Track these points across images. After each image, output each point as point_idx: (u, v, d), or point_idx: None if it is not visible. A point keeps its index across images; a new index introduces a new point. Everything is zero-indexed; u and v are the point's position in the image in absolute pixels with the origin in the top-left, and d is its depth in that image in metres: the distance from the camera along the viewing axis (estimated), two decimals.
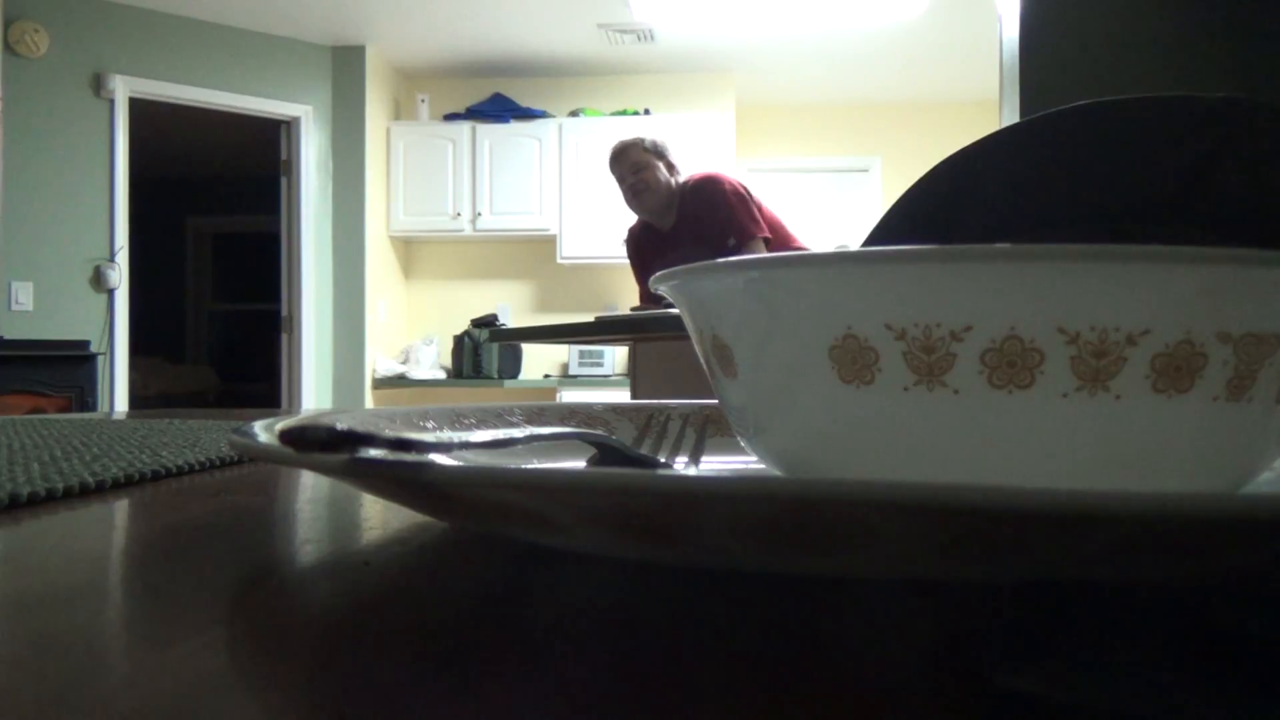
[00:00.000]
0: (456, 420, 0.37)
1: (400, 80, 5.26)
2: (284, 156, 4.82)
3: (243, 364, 7.52)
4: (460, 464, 0.20)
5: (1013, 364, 0.20)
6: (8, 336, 3.80)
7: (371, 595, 0.19)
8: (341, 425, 0.18)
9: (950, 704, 0.13)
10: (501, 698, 0.13)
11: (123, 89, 4.24)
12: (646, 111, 5.03)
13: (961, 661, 0.15)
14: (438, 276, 5.39)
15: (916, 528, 0.15)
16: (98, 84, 4.19)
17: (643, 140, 2.66)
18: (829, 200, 5.58)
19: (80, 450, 0.45)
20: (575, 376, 4.95)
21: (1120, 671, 0.13)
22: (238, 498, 0.32)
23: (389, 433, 0.18)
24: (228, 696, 0.13)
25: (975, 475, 0.21)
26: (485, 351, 4.92)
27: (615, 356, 4.96)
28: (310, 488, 0.35)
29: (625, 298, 4.43)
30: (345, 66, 4.84)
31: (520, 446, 0.34)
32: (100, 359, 3.99)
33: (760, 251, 2.49)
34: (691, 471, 0.28)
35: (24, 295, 4.01)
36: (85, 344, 3.93)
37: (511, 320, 5.25)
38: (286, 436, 0.18)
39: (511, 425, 0.38)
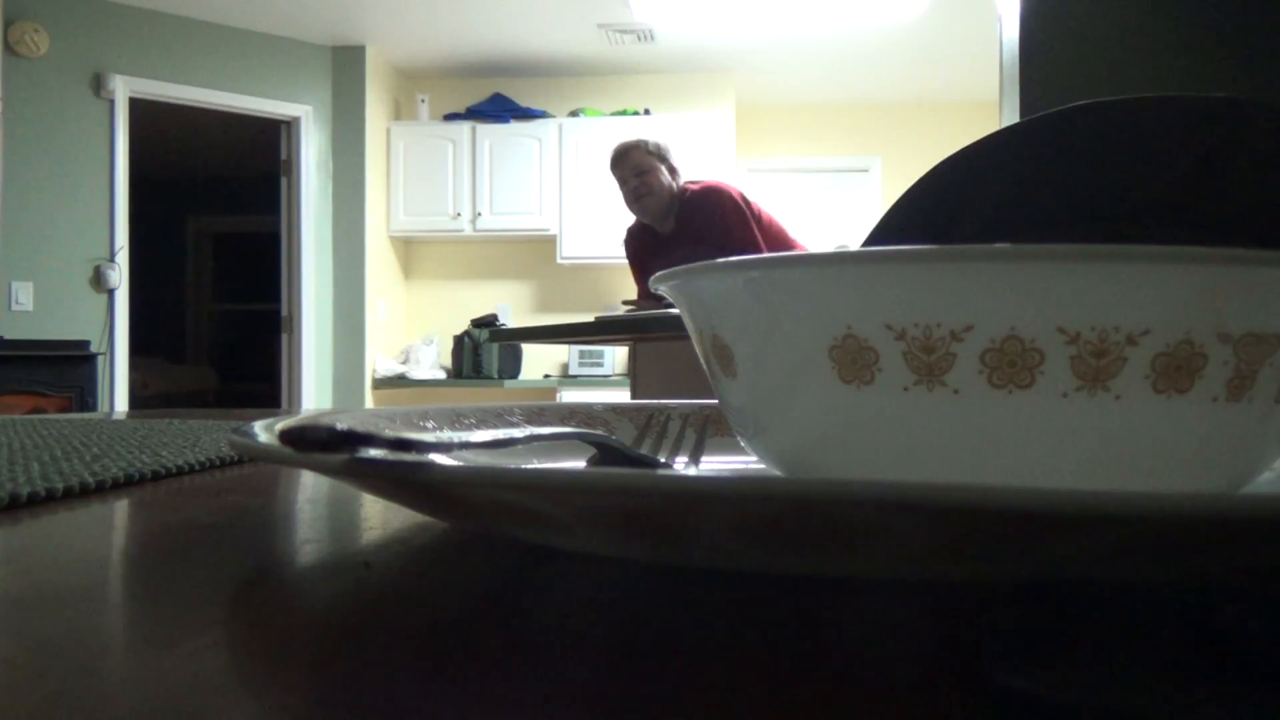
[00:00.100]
0: (456, 420, 0.37)
1: (400, 80, 5.26)
2: (284, 156, 4.82)
3: (243, 364, 7.52)
4: (460, 464, 0.20)
5: (1013, 364, 0.20)
6: (8, 336, 3.80)
7: (371, 595, 0.19)
8: (341, 425, 0.18)
9: (950, 704, 0.13)
10: (501, 698, 0.13)
11: (123, 89, 4.25)
12: (646, 111, 5.03)
13: (961, 661, 0.15)
14: (438, 276, 5.40)
15: (916, 528, 0.15)
16: (98, 84, 4.19)
17: (645, 142, 2.65)
18: (829, 200, 5.58)
19: (80, 450, 0.45)
20: (575, 376, 4.95)
21: (1120, 671, 0.13)
22: (238, 498, 0.32)
23: (389, 433, 0.18)
24: (228, 696, 0.13)
25: (975, 475, 0.21)
26: (485, 351, 4.92)
27: (615, 356, 4.96)
28: (310, 488, 0.35)
29: (625, 298, 4.44)
30: (345, 66, 4.84)
31: (520, 446, 0.34)
32: (100, 359, 3.99)
33: None
34: (691, 471, 0.28)
35: (24, 295, 4.01)
36: (85, 344, 3.93)
37: (511, 320, 5.25)
38: (286, 436, 0.18)
39: (511, 425, 0.38)
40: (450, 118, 5.11)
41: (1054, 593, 0.18)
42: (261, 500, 0.32)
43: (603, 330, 2.16)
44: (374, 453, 0.18)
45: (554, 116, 5.09)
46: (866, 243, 0.42)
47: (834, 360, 0.22)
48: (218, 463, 0.42)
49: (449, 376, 5.04)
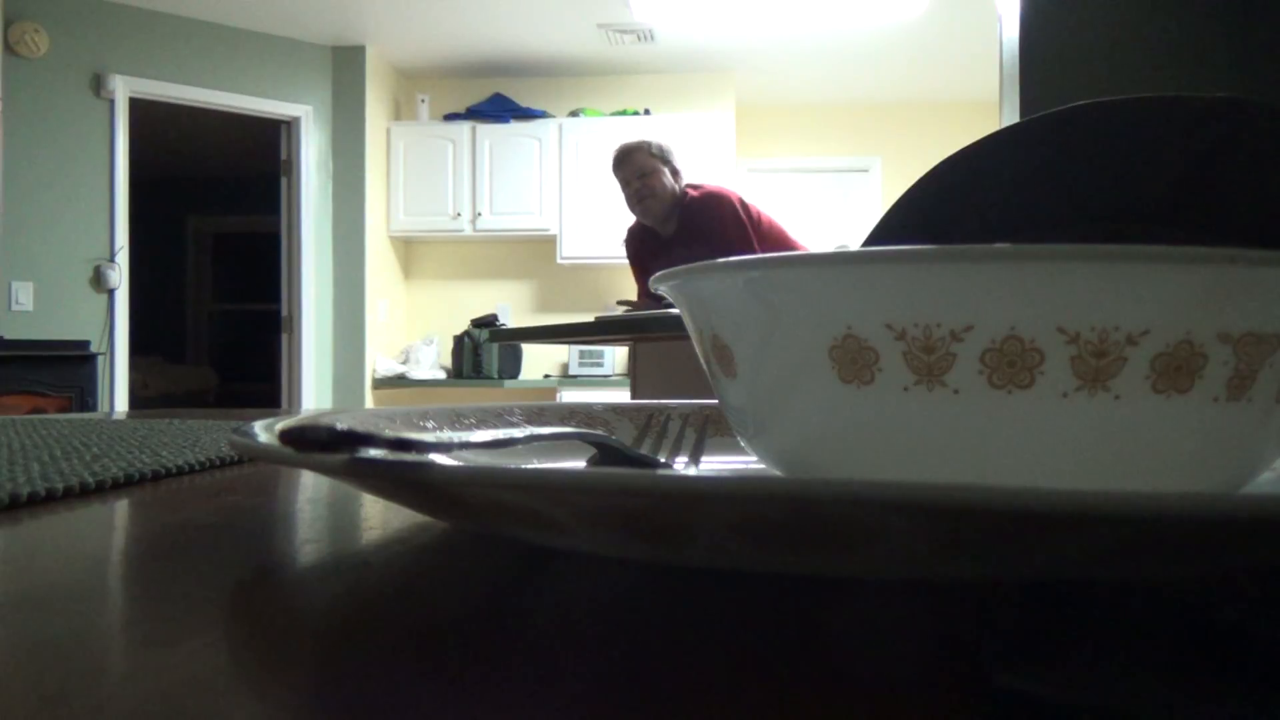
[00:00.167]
0: (456, 420, 0.37)
1: (400, 80, 5.26)
2: (284, 156, 4.82)
3: (243, 364, 7.52)
4: (460, 464, 0.20)
5: (1013, 364, 0.20)
6: (8, 336, 3.80)
7: (371, 595, 0.19)
8: (341, 425, 0.18)
9: (950, 704, 0.13)
10: (501, 698, 0.13)
11: (123, 89, 4.25)
12: (646, 111, 5.03)
13: (961, 661, 0.15)
14: (438, 276, 5.40)
15: (916, 528, 0.15)
16: (98, 84, 4.19)
17: (649, 144, 2.65)
18: (829, 200, 5.58)
19: (80, 450, 0.45)
20: (575, 376, 4.95)
21: (1120, 671, 0.13)
22: (238, 498, 0.32)
23: (389, 433, 0.18)
24: (228, 696, 0.13)
25: (975, 475, 0.21)
26: (485, 351, 4.92)
27: (615, 356, 4.96)
28: (310, 488, 0.35)
29: (625, 298, 4.44)
30: (345, 66, 4.84)
31: (520, 446, 0.34)
32: (100, 359, 4.00)
33: None
34: (691, 471, 0.28)
35: (24, 295, 4.01)
36: (85, 344, 3.93)
37: (511, 320, 5.25)
38: (286, 436, 0.18)
39: (511, 425, 0.38)
40: (450, 118, 5.11)
41: (1054, 593, 0.18)
42: (261, 500, 0.32)
43: (603, 330, 2.16)
44: (374, 453, 0.18)
45: (554, 116, 5.09)
46: (866, 243, 0.42)
47: (834, 360, 0.22)
48: (218, 463, 0.42)
49: (449, 376, 5.04)
